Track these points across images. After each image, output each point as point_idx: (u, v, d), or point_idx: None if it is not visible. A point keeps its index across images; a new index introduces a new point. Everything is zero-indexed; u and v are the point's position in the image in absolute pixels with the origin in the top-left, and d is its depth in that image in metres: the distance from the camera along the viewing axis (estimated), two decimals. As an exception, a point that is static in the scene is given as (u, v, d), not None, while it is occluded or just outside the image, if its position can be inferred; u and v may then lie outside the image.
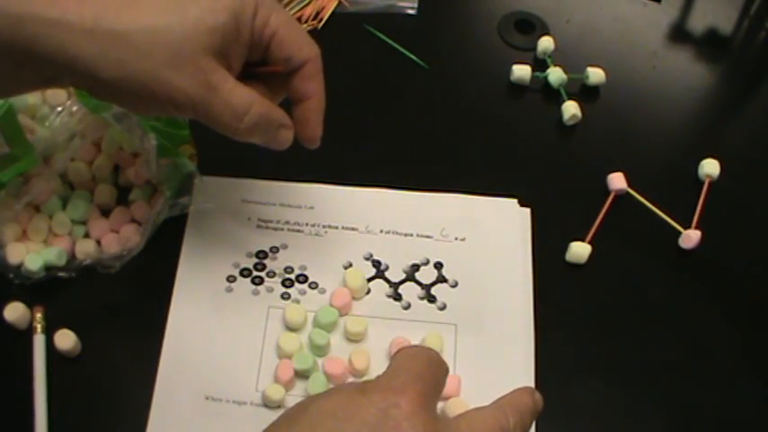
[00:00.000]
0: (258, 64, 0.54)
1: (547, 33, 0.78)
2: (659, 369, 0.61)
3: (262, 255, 0.64)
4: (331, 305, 0.61)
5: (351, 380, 0.59)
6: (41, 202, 0.63)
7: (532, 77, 0.75)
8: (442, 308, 0.62)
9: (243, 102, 0.50)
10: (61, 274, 0.61)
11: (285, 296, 0.62)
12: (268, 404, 0.57)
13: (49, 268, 0.61)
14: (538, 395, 0.49)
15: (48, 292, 0.61)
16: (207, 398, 0.58)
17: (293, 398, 0.58)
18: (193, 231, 0.64)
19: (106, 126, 0.63)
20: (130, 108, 0.54)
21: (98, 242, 0.64)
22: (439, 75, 0.76)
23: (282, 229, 0.65)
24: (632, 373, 0.61)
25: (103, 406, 0.58)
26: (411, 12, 0.80)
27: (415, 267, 0.64)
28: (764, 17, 0.82)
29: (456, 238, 0.65)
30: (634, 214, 0.67)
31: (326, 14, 0.78)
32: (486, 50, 0.78)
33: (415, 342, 0.60)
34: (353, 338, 0.60)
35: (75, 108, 0.63)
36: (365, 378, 0.59)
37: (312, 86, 0.54)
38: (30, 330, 0.60)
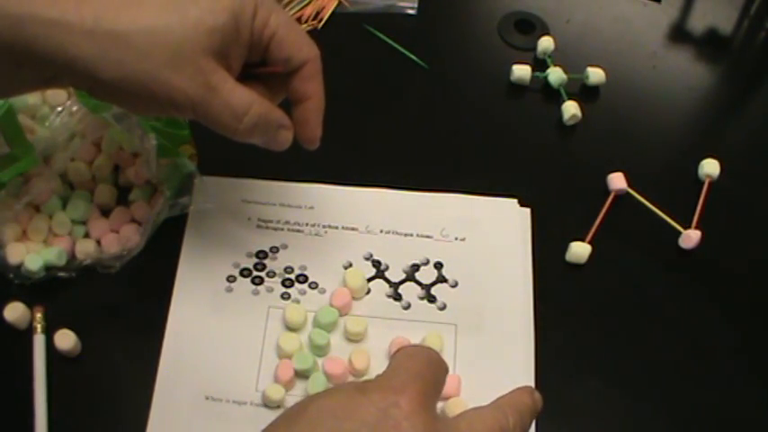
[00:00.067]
0: (258, 65, 0.54)
1: (547, 33, 0.78)
2: (659, 369, 0.61)
3: (262, 255, 0.64)
4: (331, 305, 0.61)
5: (351, 380, 0.59)
6: (41, 202, 0.63)
7: (532, 77, 0.75)
8: (442, 308, 0.62)
9: (242, 102, 0.50)
10: (61, 274, 0.61)
11: (285, 296, 0.62)
12: (268, 404, 0.58)
13: (49, 268, 0.61)
14: (537, 395, 0.49)
15: (48, 292, 0.61)
16: (207, 398, 0.58)
17: (293, 398, 0.58)
18: (193, 231, 0.64)
19: (106, 126, 0.63)
20: (130, 109, 0.54)
21: (98, 242, 0.64)
22: (439, 75, 0.76)
23: (282, 229, 0.65)
24: (632, 373, 0.61)
25: (103, 406, 0.58)
26: (411, 12, 0.80)
27: (415, 267, 0.64)
28: (764, 17, 0.82)
29: (456, 238, 0.65)
30: (634, 214, 0.67)
31: (326, 14, 0.78)
32: (486, 50, 0.78)
33: (415, 342, 0.60)
34: (353, 338, 0.60)
35: (75, 108, 0.63)
36: (365, 378, 0.59)
37: (311, 87, 0.54)
38: (30, 330, 0.60)
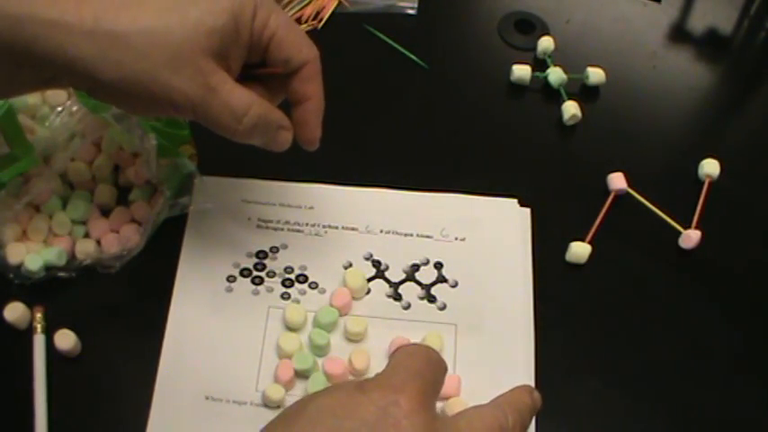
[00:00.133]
0: (257, 66, 0.54)
1: (547, 33, 0.78)
2: (659, 369, 0.61)
3: (262, 255, 0.64)
4: (331, 305, 0.61)
5: (350, 379, 0.59)
6: (41, 202, 0.63)
7: (532, 77, 0.75)
8: (442, 308, 0.62)
9: (242, 103, 0.50)
10: (61, 274, 0.61)
11: (285, 296, 0.62)
12: (268, 404, 0.58)
13: (49, 268, 0.61)
14: (536, 394, 0.49)
15: (48, 292, 0.61)
16: (207, 398, 0.58)
17: (293, 398, 0.58)
18: (193, 231, 0.64)
19: (106, 126, 0.63)
20: (130, 109, 0.54)
21: (98, 242, 0.64)
22: (439, 75, 0.76)
23: (282, 229, 0.65)
24: (632, 373, 0.61)
25: (103, 406, 0.58)
26: (411, 12, 0.80)
27: (415, 267, 0.64)
28: (764, 17, 0.82)
29: (456, 238, 0.65)
30: (634, 214, 0.67)
31: (326, 14, 0.78)
32: (486, 50, 0.78)
33: (414, 342, 0.60)
34: (353, 338, 0.60)
35: (75, 108, 0.63)
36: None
37: (311, 88, 0.54)
38: (30, 330, 0.60)
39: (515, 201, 0.67)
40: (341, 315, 0.61)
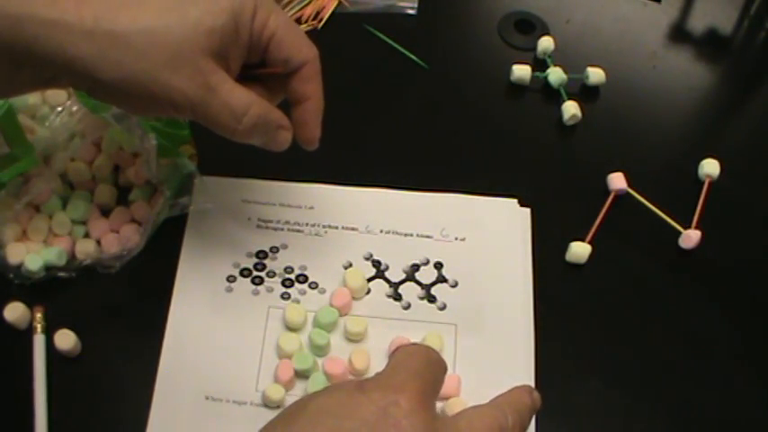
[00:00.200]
0: (257, 65, 0.54)
1: (547, 33, 0.78)
2: (659, 369, 0.61)
3: (262, 255, 0.64)
4: (331, 305, 0.61)
5: (350, 379, 0.59)
6: (41, 202, 0.63)
7: (532, 77, 0.75)
8: (442, 308, 0.62)
9: (241, 103, 0.50)
10: (61, 274, 0.61)
11: (285, 296, 0.62)
12: (268, 404, 0.58)
13: (49, 268, 0.61)
14: (536, 394, 0.49)
15: (48, 292, 0.61)
16: (207, 398, 0.58)
17: (293, 398, 0.58)
18: (193, 231, 0.64)
19: (106, 126, 0.63)
20: (129, 109, 0.54)
21: (98, 242, 0.64)
22: (439, 75, 0.76)
23: (282, 229, 0.65)
24: (632, 373, 0.61)
25: (103, 406, 0.58)
26: (411, 12, 0.80)
27: (415, 267, 0.64)
28: (764, 17, 0.82)
29: (456, 238, 0.65)
30: (634, 214, 0.67)
31: (326, 14, 0.78)
32: (486, 50, 0.78)
33: (414, 342, 0.60)
34: (353, 338, 0.60)
35: (75, 108, 0.63)
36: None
37: (310, 88, 0.54)
38: (30, 330, 0.60)
39: (515, 201, 0.67)
40: (341, 315, 0.61)
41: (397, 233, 0.66)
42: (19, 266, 0.61)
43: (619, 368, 0.61)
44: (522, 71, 0.74)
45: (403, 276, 0.64)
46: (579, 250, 0.65)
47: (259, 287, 0.63)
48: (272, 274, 0.63)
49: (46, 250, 0.61)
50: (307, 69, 0.53)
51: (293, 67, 0.53)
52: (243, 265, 0.63)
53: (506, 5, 0.81)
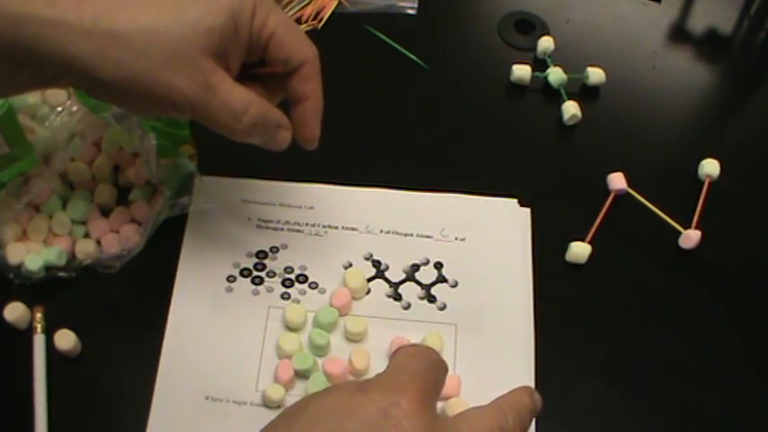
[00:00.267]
0: (256, 65, 0.54)
1: (547, 33, 0.78)
2: (659, 369, 0.61)
3: (262, 255, 0.64)
4: (331, 305, 0.61)
5: (351, 379, 0.59)
6: (41, 202, 0.63)
7: (532, 77, 0.75)
8: (442, 308, 0.62)
9: (241, 102, 0.50)
10: (61, 274, 0.61)
11: (285, 296, 0.62)
12: (268, 404, 0.58)
13: (49, 268, 0.61)
14: (537, 395, 0.49)
15: (48, 292, 0.61)
16: (207, 398, 0.58)
17: (293, 398, 0.58)
18: (193, 231, 0.64)
19: (106, 126, 0.63)
20: (129, 109, 0.54)
21: (98, 242, 0.64)
22: (439, 75, 0.76)
23: (282, 229, 0.65)
24: (632, 373, 0.61)
25: (103, 406, 0.58)
26: (411, 12, 0.80)
27: (415, 267, 0.64)
28: (764, 17, 0.82)
29: (456, 238, 0.65)
30: (634, 214, 0.67)
31: (326, 14, 0.78)
32: (486, 50, 0.78)
33: (415, 342, 0.60)
34: (353, 338, 0.60)
35: (75, 108, 0.63)
36: (365, 378, 0.59)
37: (310, 87, 0.54)
38: (30, 330, 0.60)
39: (515, 201, 0.67)
40: (341, 315, 0.61)
41: (397, 233, 0.66)
42: (19, 266, 0.60)
43: (619, 368, 0.61)
44: (522, 71, 0.74)
45: (403, 276, 0.64)
46: (579, 250, 0.65)
47: (259, 287, 0.63)
48: (272, 274, 0.63)
49: (46, 250, 0.61)
50: (306, 69, 0.53)
51: (293, 67, 0.53)
52: (243, 265, 0.63)
53: (506, 5, 0.81)
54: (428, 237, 0.66)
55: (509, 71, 0.75)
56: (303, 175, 0.67)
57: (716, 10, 0.82)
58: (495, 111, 0.74)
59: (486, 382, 0.57)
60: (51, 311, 0.60)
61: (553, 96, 0.74)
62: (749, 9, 0.82)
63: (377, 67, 0.76)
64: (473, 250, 0.65)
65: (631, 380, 0.61)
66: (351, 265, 0.64)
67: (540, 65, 0.76)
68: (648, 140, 0.73)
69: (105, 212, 0.65)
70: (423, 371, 0.45)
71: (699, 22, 0.81)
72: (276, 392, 0.57)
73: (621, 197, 0.68)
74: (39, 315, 0.60)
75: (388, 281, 0.63)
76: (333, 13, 0.79)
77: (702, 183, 0.69)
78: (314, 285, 0.63)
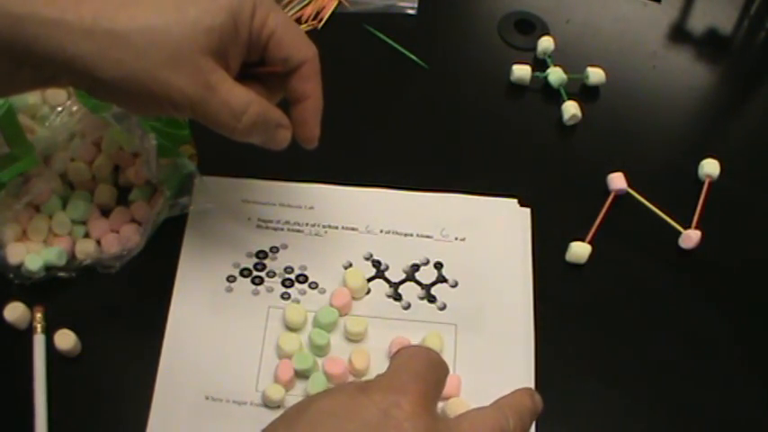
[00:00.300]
0: (256, 64, 0.54)
1: (547, 33, 0.78)
2: (659, 369, 0.61)
3: (262, 255, 0.64)
4: (331, 305, 0.61)
5: (351, 380, 0.59)
6: (41, 202, 0.63)
7: (532, 77, 0.75)
8: (442, 308, 0.62)
9: (241, 101, 0.50)
10: (61, 274, 0.61)
11: (285, 296, 0.62)
12: (268, 404, 0.58)
13: (49, 268, 0.61)
14: (537, 396, 0.49)
15: (48, 292, 0.61)
16: (207, 398, 0.58)
17: (293, 398, 0.58)
18: (193, 231, 0.64)
19: (106, 126, 0.63)
20: (129, 108, 0.54)
21: (98, 242, 0.64)
22: (439, 75, 0.76)
23: (282, 229, 0.65)
24: (632, 373, 0.61)
25: (103, 406, 0.58)
26: (411, 12, 0.80)
27: (415, 267, 0.64)
28: (764, 17, 0.82)
29: (456, 238, 0.65)
30: (634, 214, 0.67)
31: (326, 14, 0.78)
32: (486, 50, 0.78)
33: (415, 342, 0.60)
34: (353, 338, 0.60)
35: (75, 108, 0.63)
36: (365, 378, 0.59)
37: (310, 87, 0.54)
38: (30, 330, 0.60)
39: (515, 201, 0.67)
40: (341, 315, 0.61)
41: (397, 233, 0.66)
42: (19, 266, 0.60)
43: (619, 368, 0.61)
44: (522, 71, 0.74)
45: (403, 276, 0.64)
46: (579, 250, 0.65)
47: (259, 287, 0.63)
48: (272, 274, 0.63)
49: (46, 250, 0.61)
50: (306, 68, 0.53)
51: (292, 66, 0.53)
52: (243, 265, 0.63)
53: (506, 5, 0.81)
54: (428, 237, 0.66)
55: (509, 71, 0.75)
56: (303, 175, 0.67)
57: (716, 10, 0.82)
58: (495, 111, 0.74)
59: (486, 382, 0.57)
60: (51, 311, 0.60)
61: (553, 96, 0.74)
62: (749, 9, 0.82)
63: (377, 67, 0.76)
64: (473, 250, 0.65)
65: (631, 380, 0.61)
66: (351, 265, 0.64)
67: (540, 65, 0.76)
68: (648, 140, 0.73)
69: (105, 212, 0.65)
70: (423, 372, 0.45)
71: (699, 22, 0.81)
72: (276, 392, 0.57)
73: (621, 197, 0.68)
74: (39, 315, 0.60)
75: (388, 281, 0.63)
76: (333, 13, 0.79)
77: (702, 183, 0.69)
78: (314, 285, 0.63)
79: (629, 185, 0.68)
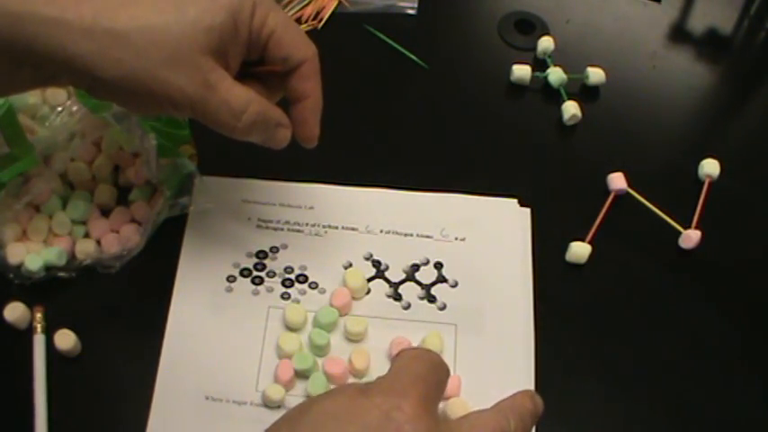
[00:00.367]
0: (256, 63, 0.54)
1: (547, 33, 0.78)
2: (659, 369, 0.61)
3: (262, 255, 0.64)
4: (331, 305, 0.61)
5: (351, 380, 0.59)
6: (41, 202, 0.63)
7: (532, 77, 0.75)
8: (442, 308, 0.62)
9: (240, 100, 0.50)
10: (61, 274, 0.61)
11: (285, 296, 0.62)
12: (268, 404, 0.57)
13: (49, 268, 0.61)
14: (538, 398, 0.49)
15: (48, 292, 0.61)
16: (207, 398, 0.58)
17: (293, 398, 0.58)
18: (193, 231, 0.64)
19: (106, 126, 0.63)
20: (129, 107, 0.54)
21: (98, 242, 0.64)
22: (439, 75, 0.76)
23: (282, 229, 0.65)
24: (632, 373, 0.61)
25: (103, 406, 0.58)
26: (411, 12, 0.80)
27: (415, 267, 0.64)
28: (764, 17, 0.82)
29: (456, 238, 0.65)
30: (634, 214, 0.67)
31: (326, 14, 0.78)
32: (486, 50, 0.78)
33: (415, 342, 0.60)
34: (353, 338, 0.60)
35: (75, 108, 0.63)
36: (365, 378, 0.59)
37: (309, 86, 0.54)
38: (30, 330, 0.60)
39: (515, 201, 0.67)
40: (341, 315, 0.61)
41: (397, 233, 0.66)
42: (19, 266, 0.60)
43: (619, 368, 0.61)
44: (522, 71, 0.74)
45: (403, 276, 0.64)
46: (579, 250, 0.65)
47: (259, 287, 0.63)
48: (272, 274, 0.63)
49: (46, 250, 0.61)
50: (306, 67, 0.53)
51: (292, 65, 0.53)
52: (243, 265, 0.63)
53: (506, 5, 0.81)
54: (428, 237, 0.66)
55: (509, 71, 0.75)
56: (303, 175, 0.67)
57: (716, 10, 0.82)
58: (495, 111, 0.74)
59: (486, 382, 0.58)
60: (51, 311, 0.60)
61: (553, 96, 0.74)
62: (749, 9, 0.82)
63: (377, 67, 0.76)
64: (473, 250, 0.65)
65: (631, 380, 0.61)
66: (351, 265, 0.64)
67: (540, 65, 0.76)
68: (648, 140, 0.73)
69: (105, 212, 0.65)
70: (424, 374, 0.45)
71: (699, 22, 0.81)
72: (276, 392, 0.57)
73: (621, 197, 0.68)
74: (39, 315, 0.60)
75: (388, 281, 0.63)
76: (333, 13, 0.79)
77: (702, 183, 0.69)
78: (314, 285, 0.63)
79: (629, 185, 0.68)
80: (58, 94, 0.65)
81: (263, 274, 0.63)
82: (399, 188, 0.68)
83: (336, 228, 0.66)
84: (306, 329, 0.61)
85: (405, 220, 0.66)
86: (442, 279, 0.64)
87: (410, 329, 0.61)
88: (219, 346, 0.60)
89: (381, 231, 0.66)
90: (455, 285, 0.63)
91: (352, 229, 0.66)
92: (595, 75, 0.74)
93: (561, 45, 0.77)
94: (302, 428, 0.43)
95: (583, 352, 0.62)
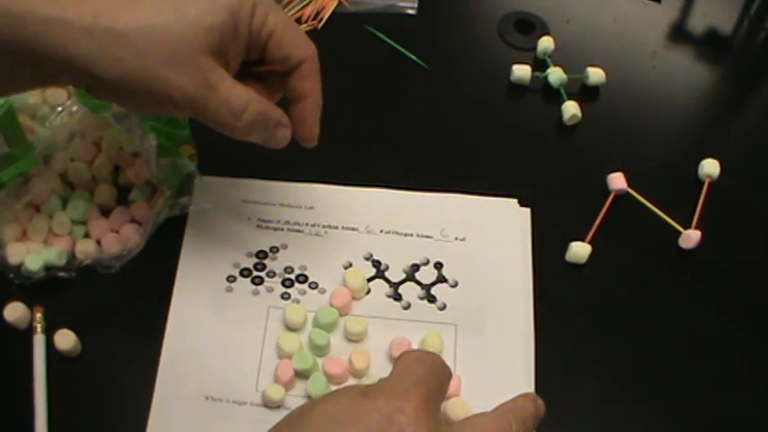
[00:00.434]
0: (256, 63, 0.54)
1: (547, 33, 0.78)
2: (659, 369, 0.61)
3: (262, 255, 0.64)
4: (331, 305, 0.61)
5: (351, 380, 0.59)
6: (41, 202, 0.63)
7: (532, 77, 0.75)
8: (442, 308, 0.62)
9: (240, 100, 0.50)
10: (61, 274, 0.61)
11: (285, 296, 0.62)
12: (268, 404, 0.57)
13: (49, 268, 0.61)
14: (540, 401, 0.49)
15: (48, 292, 0.61)
16: (207, 398, 0.58)
17: (293, 398, 0.58)
18: (193, 231, 0.64)
19: (106, 126, 0.63)
20: (129, 107, 0.54)
21: (98, 242, 0.64)
22: (439, 75, 0.76)
23: (282, 229, 0.65)
24: (632, 373, 0.61)
25: (103, 406, 0.58)
26: (411, 12, 0.80)
27: (415, 267, 0.64)
28: (764, 17, 0.82)
29: (456, 238, 0.65)
30: (634, 214, 0.67)
31: (326, 14, 0.78)
32: (486, 50, 0.78)
33: (415, 342, 0.60)
34: (353, 338, 0.60)
35: (75, 108, 0.63)
36: (365, 378, 0.59)
37: (309, 86, 0.54)
38: (30, 330, 0.60)
39: (515, 201, 0.67)
40: (341, 315, 0.61)
41: (397, 233, 0.66)
42: (19, 266, 0.60)
43: (619, 368, 0.61)
44: (522, 71, 0.74)
45: (403, 276, 0.64)
46: (579, 250, 0.65)
47: (259, 287, 0.63)
48: (272, 274, 0.63)
49: (46, 250, 0.61)
50: (305, 67, 0.54)
51: (292, 65, 0.53)
52: (243, 265, 0.63)
53: (506, 5, 0.81)
54: (428, 237, 0.66)
55: (509, 71, 0.75)
56: (303, 175, 0.67)
57: (716, 10, 0.82)
58: (495, 111, 0.74)
59: (487, 382, 0.58)
60: (51, 311, 0.60)
61: (553, 96, 0.74)
62: (749, 9, 0.83)
63: (377, 67, 0.76)
64: (473, 250, 0.65)
65: (631, 380, 0.61)
66: (351, 265, 0.64)
67: (540, 65, 0.76)
68: (648, 140, 0.73)
69: (105, 212, 0.65)
70: (426, 376, 0.45)
71: (699, 22, 0.81)
72: (276, 392, 0.57)
73: (621, 197, 0.68)
74: (39, 315, 0.60)
75: (388, 281, 0.63)
76: (333, 13, 0.79)
77: (702, 183, 0.69)
78: (314, 285, 0.63)
79: (629, 185, 0.68)
80: (58, 94, 0.65)
81: (263, 274, 0.63)
82: (399, 188, 0.68)
83: (336, 228, 0.66)
84: (306, 329, 0.61)
85: (405, 220, 0.66)
86: (441, 279, 0.64)
87: (410, 329, 0.61)
88: (219, 346, 0.60)
89: (381, 231, 0.66)
90: (455, 285, 0.63)
91: (353, 229, 0.66)
92: (595, 75, 0.74)
93: (561, 45, 0.77)
94: (304, 430, 0.43)
95: (583, 352, 0.62)
